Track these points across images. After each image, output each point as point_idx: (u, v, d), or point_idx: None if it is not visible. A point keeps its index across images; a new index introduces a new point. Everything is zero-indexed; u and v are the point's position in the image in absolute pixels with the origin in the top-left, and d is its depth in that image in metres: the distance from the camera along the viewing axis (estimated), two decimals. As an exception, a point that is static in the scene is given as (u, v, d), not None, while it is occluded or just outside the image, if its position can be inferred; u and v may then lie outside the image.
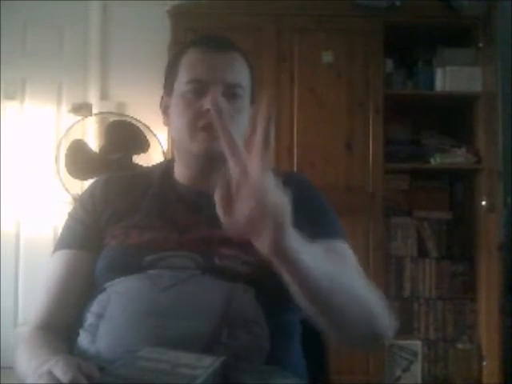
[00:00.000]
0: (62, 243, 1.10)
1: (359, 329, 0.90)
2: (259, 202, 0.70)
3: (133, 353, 0.86)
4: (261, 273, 0.98)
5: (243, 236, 0.73)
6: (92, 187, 1.16)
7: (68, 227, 1.12)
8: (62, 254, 1.08)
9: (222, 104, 1.03)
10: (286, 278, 0.80)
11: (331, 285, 0.83)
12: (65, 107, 3.16)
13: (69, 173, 2.64)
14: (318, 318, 0.86)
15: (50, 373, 0.80)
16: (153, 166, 1.31)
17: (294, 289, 0.82)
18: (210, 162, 1.06)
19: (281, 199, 0.73)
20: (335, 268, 0.87)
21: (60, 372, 0.79)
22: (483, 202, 2.66)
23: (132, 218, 1.06)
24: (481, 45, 2.72)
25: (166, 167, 1.17)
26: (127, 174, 1.23)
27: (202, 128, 1.03)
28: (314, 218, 1.03)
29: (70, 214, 1.14)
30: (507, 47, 2.79)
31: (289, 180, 1.04)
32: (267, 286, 0.98)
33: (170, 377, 0.81)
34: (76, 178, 2.64)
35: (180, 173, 1.12)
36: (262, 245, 0.74)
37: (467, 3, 2.67)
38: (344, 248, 1.05)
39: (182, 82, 1.07)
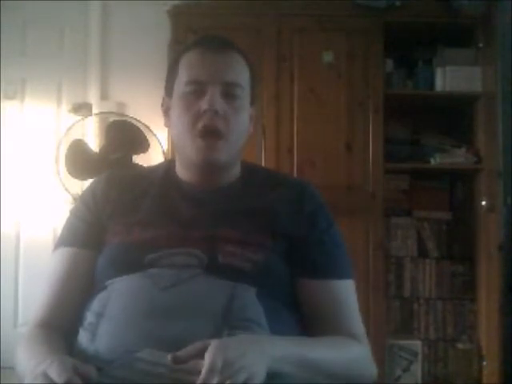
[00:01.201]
0: (64, 241, 1.10)
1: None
2: None
3: (132, 354, 0.86)
4: (264, 270, 0.98)
5: None
6: (94, 185, 1.15)
7: (69, 225, 1.12)
8: (64, 252, 1.08)
9: (220, 105, 1.03)
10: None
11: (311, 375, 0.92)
12: (65, 107, 3.16)
13: (69, 173, 2.64)
14: None
15: (45, 374, 0.80)
16: (154, 165, 1.31)
17: None
18: (209, 169, 1.07)
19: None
20: (315, 355, 0.94)
21: (54, 373, 0.79)
22: (483, 202, 2.66)
23: (134, 215, 1.07)
24: (481, 45, 2.72)
25: (168, 166, 1.17)
26: (129, 172, 1.24)
27: (200, 134, 1.03)
28: (325, 255, 1.05)
29: (71, 212, 1.14)
30: (507, 47, 2.78)
31: (302, 193, 1.06)
32: (269, 284, 0.98)
33: (167, 381, 0.81)
34: (76, 178, 2.64)
35: (182, 172, 1.12)
36: None
37: (467, 3, 2.67)
38: (346, 288, 1.07)
39: (181, 83, 1.07)
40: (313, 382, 0.93)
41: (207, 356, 0.79)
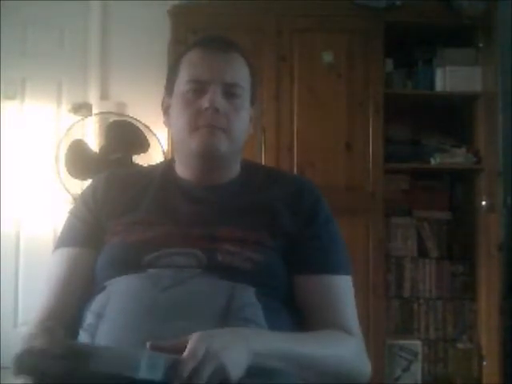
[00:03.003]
0: (64, 241, 1.10)
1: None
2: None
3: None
4: (263, 270, 0.98)
5: None
6: (93, 184, 1.16)
7: (69, 224, 1.12)
8: (63, 252, 1.08)
9: (221, 103, 1.03)
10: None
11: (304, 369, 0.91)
12: (65, 107, 3.16)
13: (69, 173, 2.64)
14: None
15: (30, 350, 0.77)
16: (153, 165, 1.31)
17: None
18: (209, 159, 1.06)
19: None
20: (310, 349, 0.93)
21: (37, 342, 0.76)
22: (483, 202, 2.66)
23: (133, 215, 1.06)
24: (481, 45, 2.72)
25: (168, 165, 1.17)
26: (128, 171, 1.23)
27: (201, 126, 1.04)
28: (323, 249, 1.05)
29: (71, 212, 1.14)
30: (507, 47, 2.78)
31: (300, 189, 1.05)
32: (268, 283, 0.98)
33: None
34: (76, 178, 2.64)
35: (181, 170, 1.12)
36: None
37: (467, 3, 2.67)
38: (341, 283, 1.06)
39: (182, 82, 1.08)
40: (303, 378, 0.92)
41: (189, 343, 0.78)
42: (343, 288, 1.05)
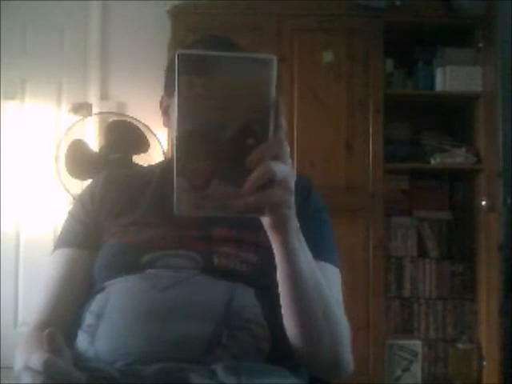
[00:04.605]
0: (62, 242, 1.10)
1: (324, 349, 0.87)
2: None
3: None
4: (260, 272, 0.97)
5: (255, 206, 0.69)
6: (92, 185, 1.15)
7: (68, 226, 1.12)
8: (62, 253, 1.08)
9: None
10: (278, 266, 0.81)
11: (314, 290, 0.81)
12: (65, 107, 3.16)
13: (69, 173, 2.64)
14: (290, 324, 0.86)
15: (27, 367, 0.76)
16: (152, 165, 1.30)
17: (281, 277, 0.82)
18: None
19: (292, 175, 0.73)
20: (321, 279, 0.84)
21: (34, 361, 0.75)
22: (483, 202, 2.66)
23: (131, 215, 1.06)
24: (481, 45, 2.72)
25: (167, 165, 1.17)
26: (127, 171, 1.23)
27: None
28: (311, 234, 0.98)
29: (69, 213, 1.14)
30: (507, 47, 2.79)
31: (295, 186, 1.02)
32: (267, 285, 0.97)
33: None
34: (76, 178, 2.64)
35: None
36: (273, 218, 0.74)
37: (467, 3, 2.67)
38: (333, 272, 1.02)
39: (181, 82, 1.07)
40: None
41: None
42: (328, 276, 0.98)
